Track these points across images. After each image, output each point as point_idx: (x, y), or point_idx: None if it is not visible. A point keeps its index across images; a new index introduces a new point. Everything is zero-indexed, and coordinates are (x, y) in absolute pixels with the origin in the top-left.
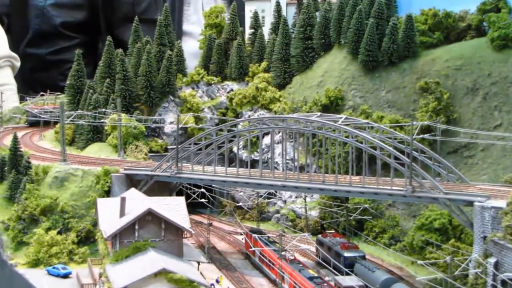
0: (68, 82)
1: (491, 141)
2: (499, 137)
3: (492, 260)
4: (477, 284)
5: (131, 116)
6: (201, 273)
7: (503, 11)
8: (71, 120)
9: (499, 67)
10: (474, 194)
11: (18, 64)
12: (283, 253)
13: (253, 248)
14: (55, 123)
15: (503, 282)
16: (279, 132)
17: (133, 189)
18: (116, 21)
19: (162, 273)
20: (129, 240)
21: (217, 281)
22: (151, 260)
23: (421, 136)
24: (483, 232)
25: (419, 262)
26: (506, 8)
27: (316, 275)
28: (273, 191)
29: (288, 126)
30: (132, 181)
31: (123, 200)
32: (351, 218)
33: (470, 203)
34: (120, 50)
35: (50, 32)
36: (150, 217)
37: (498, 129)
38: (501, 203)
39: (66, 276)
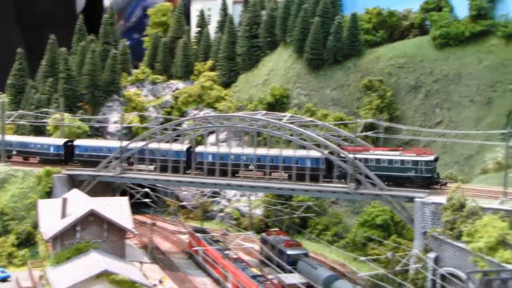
0: (9, 81)
1: (433, 138)
2: (440, 134)
3: (432, 255)
4: (417, 279)
5: (74, 116)
6: (144, 274)
7: (445, 10)
8: (12, 120)
9: (441, 65)
10: (415, 190)
11: None
12: (226, 252)
13: (197, 248)
14: None
15: (443, 277)
16: (224, 131)
17: (75, 190)
18: None
19: (104, 275)
20: (70, 242)
21: (160, 282)
22: (93, 262)
23: (364, 133)
24: (423, 227)
25: (361, 258)
26: (447, 7)
27: (259, 273)
28: (217, 190)
29: (233, 124)
30: (74, 181)
31: (64, 201)
32: (295, 216)
33: (411, 199)
34: (63, 49)
35: None
36: (92, 218)
37: (439, 126)
38: (441, 199)
39: (4, 279)
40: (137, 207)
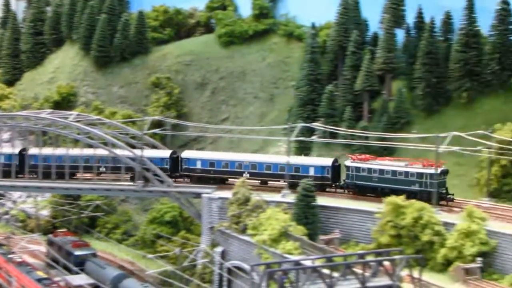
0: None
1: (219, 134)
2: (226, 130)
3: (219, 249)
4: (205, 274)
5: None
6: None
7: (229, 8)
8: None
9: (226, 62)
10: (202, 186)
11: None
12: (10, 256)
13: None
14: None
15: (229, 270)
16: (8, 131)
17: None
18: None
19: None
20: None
21: None
22: None
23: (152, 131)
24: (210, 222)
25: (149, 256)
26: (232, 6)
27: (45, 276)
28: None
29: (17, 124)
30: None
31: None
32: (84, 215)
33: (199, 195)
34: None
35: None
36: None
37: (225, 122)
38: (228, 194)
39: None
40: None
